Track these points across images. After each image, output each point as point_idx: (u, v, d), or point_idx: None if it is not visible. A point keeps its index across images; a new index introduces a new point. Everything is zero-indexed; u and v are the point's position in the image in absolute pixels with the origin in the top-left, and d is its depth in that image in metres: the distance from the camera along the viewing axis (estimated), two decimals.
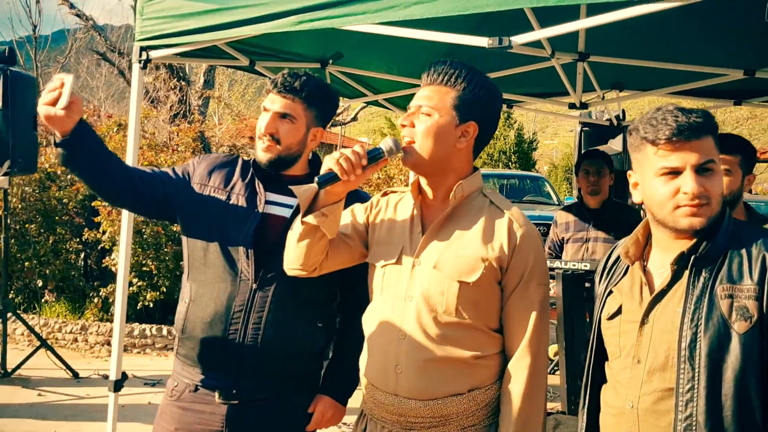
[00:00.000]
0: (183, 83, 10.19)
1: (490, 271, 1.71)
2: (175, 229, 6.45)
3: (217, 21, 2.56)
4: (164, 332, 6.51)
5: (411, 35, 2.38)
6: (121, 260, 2.86)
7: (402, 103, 5.36)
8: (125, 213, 2.85)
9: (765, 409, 1.40)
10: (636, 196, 1.59)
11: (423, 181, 1.84)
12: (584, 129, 6.07)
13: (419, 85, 1.83)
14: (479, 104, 1.75)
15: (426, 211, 1.83)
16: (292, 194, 2.05)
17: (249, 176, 2.13)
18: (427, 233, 1.78)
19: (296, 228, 1.76)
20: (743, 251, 1.48)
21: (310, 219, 1.71)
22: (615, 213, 4.05)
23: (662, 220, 1.52)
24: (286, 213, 2.08)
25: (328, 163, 1.66)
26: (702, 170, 1.46)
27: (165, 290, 6.51)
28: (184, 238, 2.16)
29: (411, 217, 1.84)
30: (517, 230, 1.74)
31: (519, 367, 1.71)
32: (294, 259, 1.81)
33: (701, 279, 1.48)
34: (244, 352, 1.99)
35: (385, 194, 1.98)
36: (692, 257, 1.50)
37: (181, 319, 2.08)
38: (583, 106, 4.35)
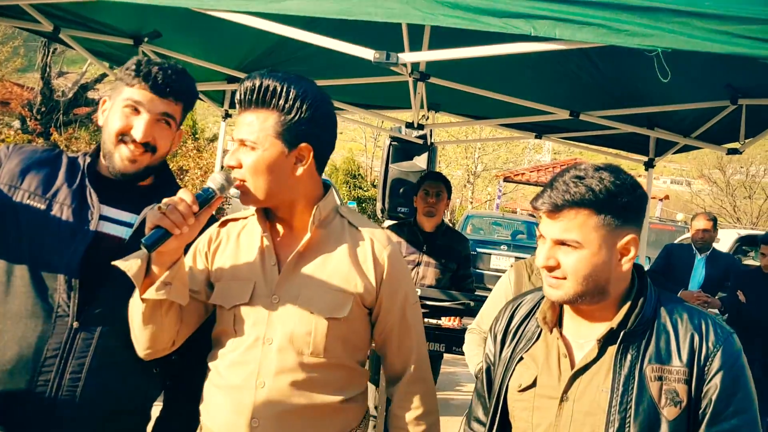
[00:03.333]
0: None
1: (360, 302, 1.59)
2: None
3: None
4: None
5: (283, 32, 2.11)
6: None
7: (216, 97, 4.95)
8: None
9: None
10: None
11: (269, 210, 1.64)
12: (393, 143, 6.14)
13: (239, 78, 1.59)
14: (307, 122, 1.53)
15: (278, 240, 1.63)
16: (131, 209, 1.70)
17: (77, 182, 1.68)
18: (285, 266, 1.58)
19: (136, 308, 1.47)
20: (669, 327, 1.40)
21: (152, 294, 1.44)
22: (448, 239, 3.97)
23: None
24: (122, 233, 1.68)
25: (153, 219, 1.38)
26: (563, 244, 1.39)
27: None
28: None
29: (261, 248, 1.62)
30: (382, 253, 1.62)
31: (414, 390, 1.66)
32: (146, 342, 1.53)
33: (629, 357, 1.38)
34: (57, 409, 1.56)
35: (223, 224, 1.71)
36: (621, 333, 1.39)
37: None
38: (419, 126, 4.36)
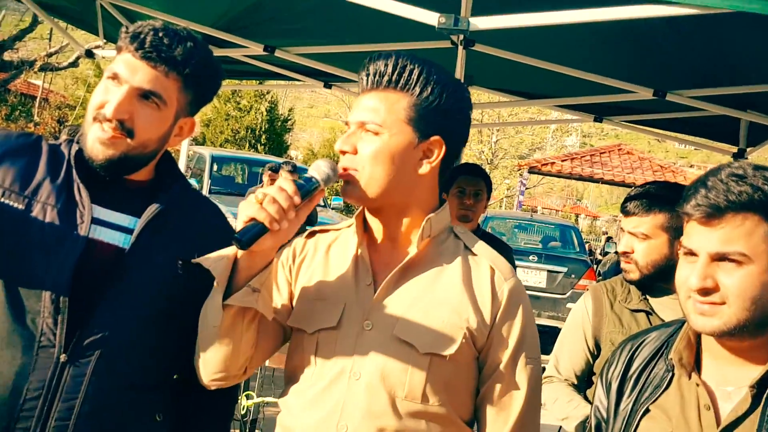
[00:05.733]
0: None
1: (471, 340, 1.60)
2: None
3: None
4: None
5: None
6: None
7: None
8: None
9: None
10: None
11: (371, 217, 1.70)
12: None
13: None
14: (443, 111, 1.62)
15: (376, 257, 1.68)
16: (130, 210, 1.70)
17: (63, 175, 1.68)
18: (382, 287, 1.63)
19: (210, 320, 1.52)
20: None
21: (238, 300, 1.49)
22: None
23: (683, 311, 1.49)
24: (119, 240, 1.68)
25: (248, 212, 1.44)
26: (723, 259, 1.40)
27: None
28: None
29: (355, 264, 1.68)
30: (502, 285, 1.65)
31: None
32: (217, 364, 1.58)
33: None
34: None
35: (311, 235, 1.77)
36: None
37: None
38: None
